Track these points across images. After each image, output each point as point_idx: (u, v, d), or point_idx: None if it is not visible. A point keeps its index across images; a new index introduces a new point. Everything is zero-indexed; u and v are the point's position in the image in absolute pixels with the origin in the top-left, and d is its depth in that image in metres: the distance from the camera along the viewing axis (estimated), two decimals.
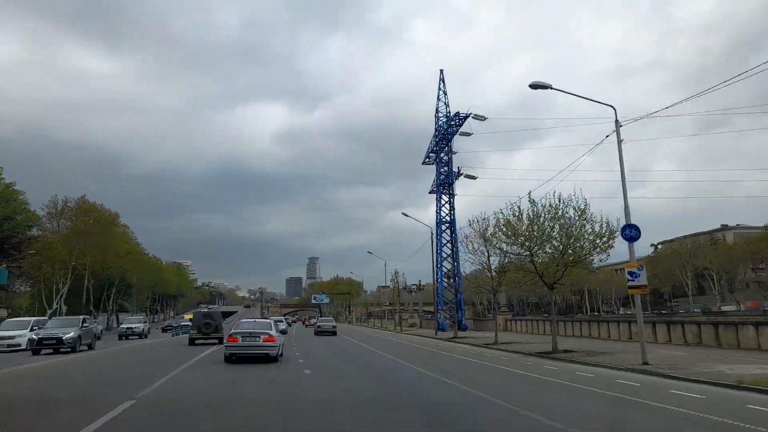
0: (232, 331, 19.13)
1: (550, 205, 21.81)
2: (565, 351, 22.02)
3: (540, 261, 22.47)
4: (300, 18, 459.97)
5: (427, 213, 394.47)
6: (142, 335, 46.89)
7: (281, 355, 19.90)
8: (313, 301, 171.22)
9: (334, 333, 43.78)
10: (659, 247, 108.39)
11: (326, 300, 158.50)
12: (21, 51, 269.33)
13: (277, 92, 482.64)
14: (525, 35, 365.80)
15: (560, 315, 46.81)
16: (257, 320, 22.88)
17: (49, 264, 59.74)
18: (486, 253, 27.05)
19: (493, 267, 27.61)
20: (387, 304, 66.11)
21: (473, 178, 49.19)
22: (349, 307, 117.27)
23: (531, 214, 22.45)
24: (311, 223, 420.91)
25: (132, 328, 46.81)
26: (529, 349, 24.77)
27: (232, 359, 18.07)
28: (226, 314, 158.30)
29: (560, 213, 21.61)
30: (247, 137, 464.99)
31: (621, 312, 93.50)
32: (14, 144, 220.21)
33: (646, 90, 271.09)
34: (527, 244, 22.55)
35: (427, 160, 56.86)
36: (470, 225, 27.97)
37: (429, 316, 68.06)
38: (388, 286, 64.85)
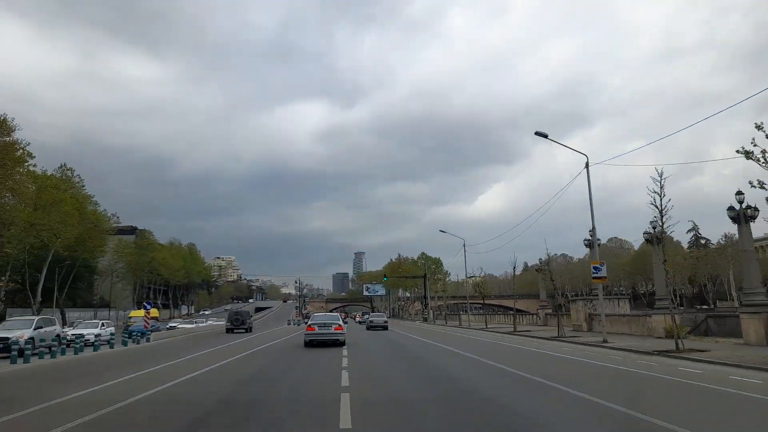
0: (310, 322, 25.64)
1: None
2: None
3: None
4: (334, 15, 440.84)
5: (470, 207, 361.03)
6: None
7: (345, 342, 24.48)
8: (366, 293, 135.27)
9: (385, 327, 46.22)
10: None
11: (381, 291, 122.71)
12: (72, 62, 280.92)
13: (315, 91, 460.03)
14: (565, 18, 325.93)
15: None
16: (327, 314, 30.11)
17: None
18: None
19: None
20: (549, 279, 28.57)
21: None
22: (425, 297, 77.77)
23: None
24: (353, 220, 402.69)
25: None
26: None
27: (312, 344, 23.38)
28: (261, 309, 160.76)
29: None
30: (287, 137, 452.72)
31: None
32: (67, 152, 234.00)
33: (697, 72, 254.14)
34: None
35: None
36: None
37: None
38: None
